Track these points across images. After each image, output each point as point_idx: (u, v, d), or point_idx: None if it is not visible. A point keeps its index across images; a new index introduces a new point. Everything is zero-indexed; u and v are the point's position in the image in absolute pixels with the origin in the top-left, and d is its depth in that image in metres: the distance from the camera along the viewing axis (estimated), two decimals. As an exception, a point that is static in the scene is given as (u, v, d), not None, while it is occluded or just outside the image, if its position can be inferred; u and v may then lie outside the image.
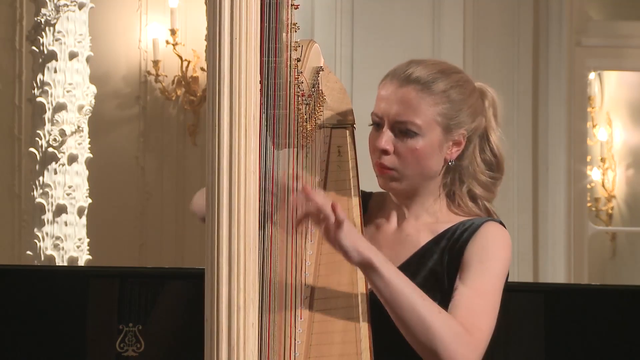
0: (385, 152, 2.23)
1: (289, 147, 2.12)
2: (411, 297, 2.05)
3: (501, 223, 2.25)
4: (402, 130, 2.22)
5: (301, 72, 2.21)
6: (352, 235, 2.05)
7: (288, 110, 2.07)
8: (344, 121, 2.47)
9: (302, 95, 2.22)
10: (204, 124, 1.84)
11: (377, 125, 2.26)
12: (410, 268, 2.21)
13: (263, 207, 1.93)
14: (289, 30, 2.04)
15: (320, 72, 2.39)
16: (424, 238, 2.26)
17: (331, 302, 2.18)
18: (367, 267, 2.06)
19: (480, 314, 2.10)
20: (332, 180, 2.41)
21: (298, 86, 2.17)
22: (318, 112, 2.37)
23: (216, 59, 1.75)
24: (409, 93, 2.22)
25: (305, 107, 2.25)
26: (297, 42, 2.13)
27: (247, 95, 1.75)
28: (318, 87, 2.37)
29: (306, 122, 2.26)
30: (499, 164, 2.32)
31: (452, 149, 2.26)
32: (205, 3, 6.32)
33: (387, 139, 2.23)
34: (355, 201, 2.33)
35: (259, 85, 1.79)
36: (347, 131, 2.46)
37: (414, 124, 2.21)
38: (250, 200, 1.76)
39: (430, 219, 2.28)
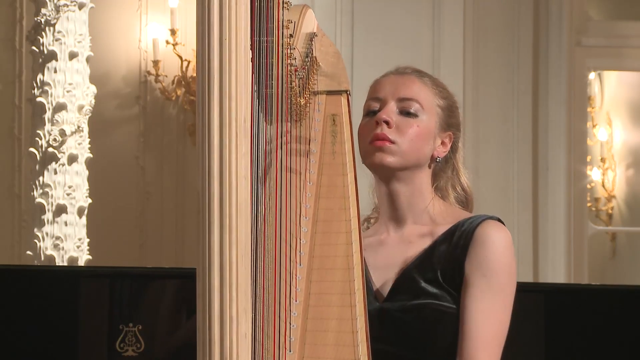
0: (387, 123, 2.25)
1: (281, 122, 2.08)
2: None
3: (499, 220, 2.24)
4: (405, 109, 2.27)
5: (294, 48, 2.16)
6: None
7: (280, 89, 2.02)
8: (339, 87, 2.39)
9: (295, 71, 2.17)
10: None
11: (374, 113, 2.28)
12: (412, 274, 2.21)
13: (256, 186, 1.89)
14: (281, 8, 2.00)
15: (314, 38, 2.33)
16: (424, 242, 2.26)
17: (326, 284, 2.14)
18: None
19: (484, 342, 2.14)
20: (328, 152, 2.32)
21: (290, 63, 2.13)
22: (312, 82, 2.32)
23: (205, 60, 1.71)
24: (413, 79, 2.30)
25: (299, 81, 2.20)
26: (289, 20, 2.10)
27: (238, 98, 1.71)
28: (312, 55, 2.31)
29: (299, 97, 2.21)
30: (469, 201, 2.36)
31: (440, 147, 2.31)
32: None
33: (389, 111, 2.26)
34: (351, 177, 2.26)
35: (250, 87, 1.74)
36: (342, 98, 2.38)
37: (417, 102, 2.26)
38: (242, 206, 1.71)
39: (429, 221, 2.28)
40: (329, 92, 2.38)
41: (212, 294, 1.70)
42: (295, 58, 2.16)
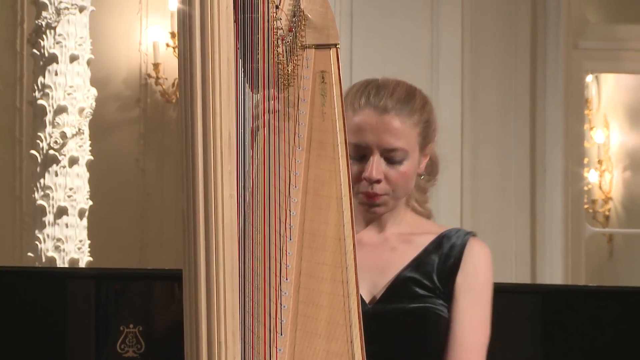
0: (378, 181, 2.24)
1: (268, 89, 2.02)
2: None
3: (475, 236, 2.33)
4: (391, 159, 2.24)
5: (279, 19, 2.08)
6: None
7: (266, 62, 1.96)
8: (327, 40, 2.28)
9: (282, 40, 2.10)
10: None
11: (358, 157, 2.24)
12: (406, 279, 2.26)
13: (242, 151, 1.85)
14: None
15: None
16: (410, 249, 2.30)
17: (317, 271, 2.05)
18: None
19: (475, 349, 2.26)
20: (317, 114, 2.21)
21: (277, 35, 2.06)
22: (300, 39, 2.21)
23: (187, 75, 1.67)
24: (392, 121, 2.23)
25: (286, 47, 2.11)
26: None
27: (222, 114, 1.67)
28: (299, 10, 2.21)
29: (287, 65, 2.13)
30: (434, 166, 2.37)
31: (423, 163, 2.32)
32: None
33: (377, 168, 2.23)
34: (342, 150, 2.15)
35: (234, 101, 1.70)
36: (331, 52, 2.26)
37: (402, 150, 2.24)
38: (228, 227, 1.65)
39: (407, 229, 2.32)
40: (318, 46, 2.27)
41: (200, 318, 1.65)
42: (281, 28, 2.09)
